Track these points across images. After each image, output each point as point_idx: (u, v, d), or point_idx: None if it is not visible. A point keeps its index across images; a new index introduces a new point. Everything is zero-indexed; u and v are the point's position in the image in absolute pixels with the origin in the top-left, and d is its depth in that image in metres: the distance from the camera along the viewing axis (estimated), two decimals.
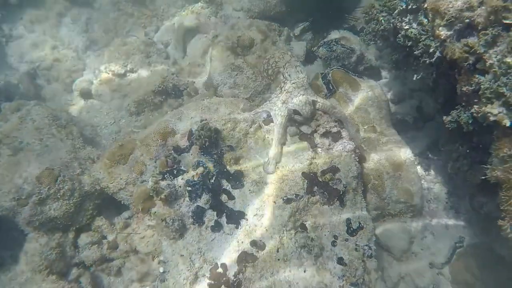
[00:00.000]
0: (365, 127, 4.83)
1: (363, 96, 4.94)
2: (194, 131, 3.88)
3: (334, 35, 5.92)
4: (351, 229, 3.84)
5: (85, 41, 6.20)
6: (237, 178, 3.79)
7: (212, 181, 3.72)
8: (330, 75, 5.12)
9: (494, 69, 2.65)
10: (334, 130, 4.14)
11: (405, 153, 4.79)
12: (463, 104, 3.24)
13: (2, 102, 4.90)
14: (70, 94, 5.81)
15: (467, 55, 2.93)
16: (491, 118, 2.72)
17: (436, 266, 4.65)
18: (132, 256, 4.32)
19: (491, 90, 2.66)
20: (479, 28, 2.89)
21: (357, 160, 4.16)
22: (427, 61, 3.47)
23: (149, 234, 4.29)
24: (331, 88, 5.03)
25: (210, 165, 3.77)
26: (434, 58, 3.37)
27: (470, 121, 3.17)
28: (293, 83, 4.16)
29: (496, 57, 2.67)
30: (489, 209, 4.12)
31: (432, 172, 5.10)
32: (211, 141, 3.77)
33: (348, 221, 3.86)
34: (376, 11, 3.92)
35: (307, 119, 4.12)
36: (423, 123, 5.26)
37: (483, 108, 2.74)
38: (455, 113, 3.34)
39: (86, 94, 5.75)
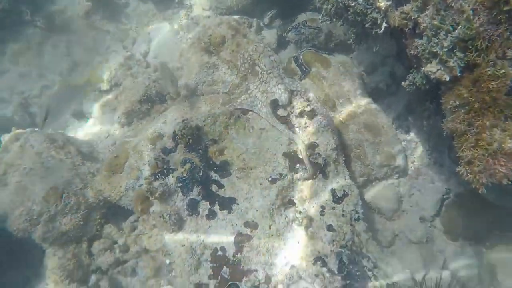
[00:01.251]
0: (341, 101, 5.08)
1: (335, 72, 5.20)
2: (177, 132, 4.17)
3: (302, 18, 6.16)
4: (337, 197, 4.12)
5: (68, 63, 6.49)
6: (224, 168, 4.09)
7: (200, 174, 4.03)
8: (301, 57, 5.37)
9: (426, 32, 2.89)
10: (308, 109, 4.40)
11: (382, 119, 5.05)
12: (415, 66, 3.49)
13: (1, 135, 5.21)
14: (63, 117, 6.13)
15: (405, 21, 3.18)
16: (432, 76, 2.97)
17: (427, 219, 4.91)
18: (143, 255, 4.67)
19: (427, 50, 2.90)
20: None
21: (334, 132, 4.42)
22: (378, 32, 3.72)
23: (155, 233, 4.63)
24: (304, 69, 5.28)
25: (197, 160, 4.07)
26: (383, 28, 3.60)
27: (424, 81, 3.42)
28: (269, 73, 4.43)
29: (427, 20, 2.91)
30: None
31: (411, 132, 5.33)
32: (194, 138, 4.06)
33: (333, 191, 4.13)
34: None
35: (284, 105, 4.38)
36: (397, 87, 5.48)
37: (424, 68, 2.99)
38: (411, 76, 3.59)
39: (78, 114, 6.07)
